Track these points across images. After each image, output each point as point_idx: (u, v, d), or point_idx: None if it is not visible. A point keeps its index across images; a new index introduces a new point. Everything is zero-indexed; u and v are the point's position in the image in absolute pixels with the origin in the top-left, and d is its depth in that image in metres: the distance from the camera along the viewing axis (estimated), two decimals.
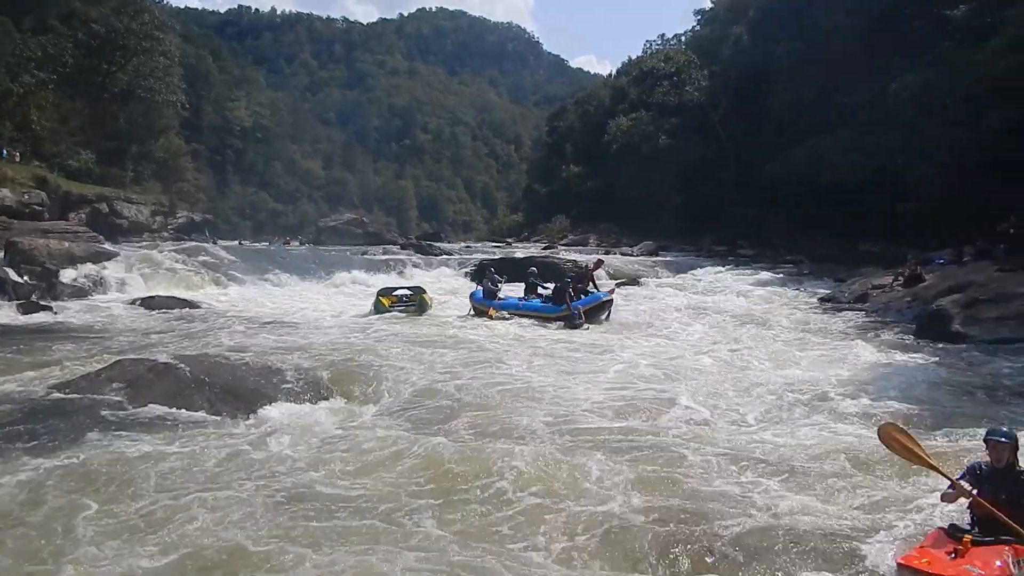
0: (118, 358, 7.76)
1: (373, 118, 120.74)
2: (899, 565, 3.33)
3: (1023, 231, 15.70)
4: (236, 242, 39.39)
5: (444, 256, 27.46)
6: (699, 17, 49.04)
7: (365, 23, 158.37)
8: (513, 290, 14.67)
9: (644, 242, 35.55)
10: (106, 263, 16.50)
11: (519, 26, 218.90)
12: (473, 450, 5.31)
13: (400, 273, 21.04)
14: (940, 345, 10.13)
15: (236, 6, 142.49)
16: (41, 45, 29.42)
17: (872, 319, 13.07)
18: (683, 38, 52.91)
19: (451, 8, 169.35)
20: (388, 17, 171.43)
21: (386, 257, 25.22)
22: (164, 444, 5.43)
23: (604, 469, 4.98)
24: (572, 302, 12.39)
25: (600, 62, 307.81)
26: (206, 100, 65.85)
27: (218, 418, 6.24)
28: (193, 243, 24.81)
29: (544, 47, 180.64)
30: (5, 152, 26.48)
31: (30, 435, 5.52)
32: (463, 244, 46.21)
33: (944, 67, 20.30)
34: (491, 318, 12.51)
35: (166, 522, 4.10)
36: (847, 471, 4.98)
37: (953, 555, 3.21)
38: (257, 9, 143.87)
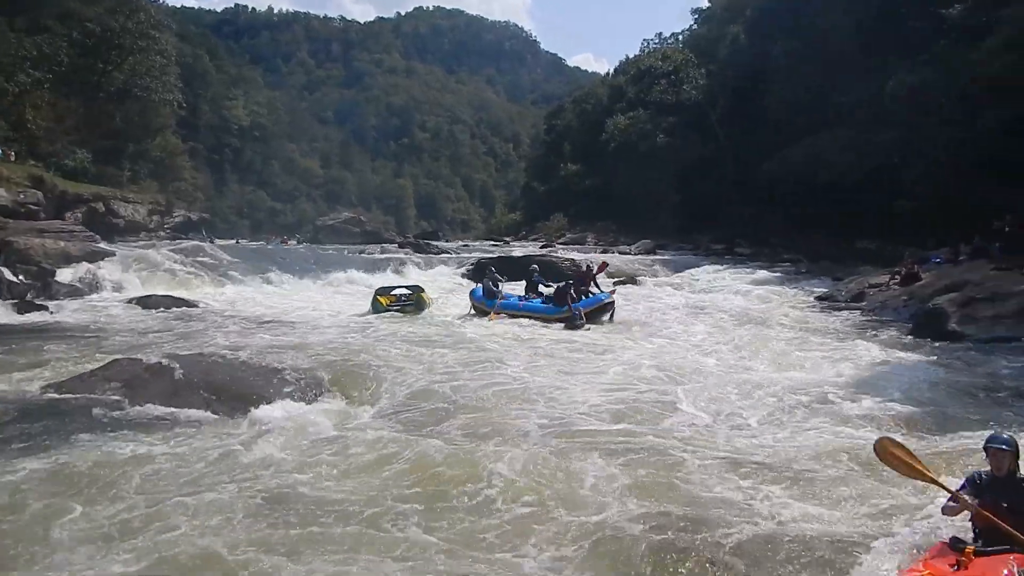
0: (114, 358, 7.73)
1: (371, 117, 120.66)
2: None
3: (1019, 230, 15.72)
4: (234, 241, 39.33)
5: (443, 255, 27.45)
6: (696, 16, 49.09)
7: (362, 22, 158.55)
8: (514, 288, 14.57)
9: (642, 241, 35.59)
10: (102, 262, 16.45)
11: (516, 25, 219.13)
12: (465, 453, 5.22)
13: (398, 272, 21.01)
14: (937, 344, 10.14)
15: (233, 5, 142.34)
16: (36, 44, 29.29)
17: (869, 318, 13.09)
18: (680, 37, 52.96)
19: (448, 7, 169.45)
20: (385, 16, 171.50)
21: (384, 256, 25.18)
22: (154, 445, 5.39)
23: (600, 474, 4.87)
24: (573, 303, 12.31)
25: (598, 61, 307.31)
26: (203, 99, 65.74)
27: (213, 418, 6.21)
28: (190, 242, 24.73)
29: (542, 46, 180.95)
30: (1, 151, 26.38)
31: (20, 436, 5.49)
32: (461, 243, 46.20)
33: (940, 66, 20.32)
34: (491, 319, 12.45)
35: (143, 528, 4.03)
36: (850, 476, 4.89)
37: (956, 567, 3.15)
38: (254, 8, 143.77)
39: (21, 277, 14.32)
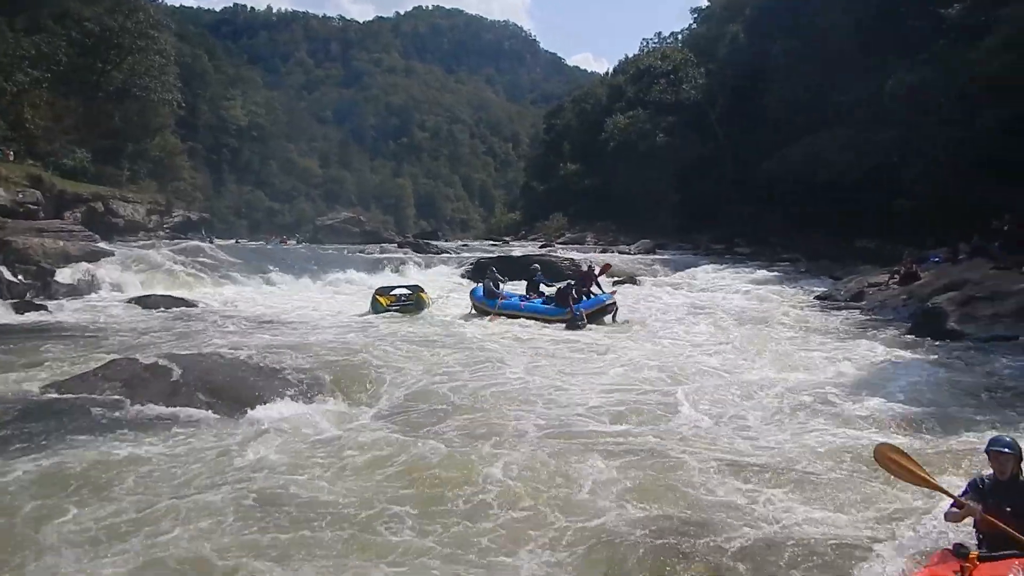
0: (113, 357, 7.72)
1: (370, 116, 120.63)
2: None
3: (1018, 229, 15.72)
4: (233, 241, 39.28)
5: (444, 255, 27.43)
6: (696, 15, 49.07)
7: (361, 21, 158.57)
8: (515, 287, 14.49)
9: (641, 240, 35.58)
10: (102, 262, 16.43)
11: (516, 24, 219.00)
12: (462, 455, 5.17)
13: (397, 271, 21.01)
14: (937, 343, 10.13)
15: (232, 4, 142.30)
16: (35, 44, 29.25)
17: (869, 317, 13.09)
18: (680, 36, 52.93)
19: (447, 6, 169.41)
20: (384, 15, 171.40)
21: (384, 256, 25.17)
22: (150, 446, 5.37)
23: (599, 476, 4.80)
24: (575, 304, 12.25)
25: (597, 60, 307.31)
26: (202, 99, 65.73)
27: (211, 418, 6.20)
28: (189, 242, 24.72)
29: (541, 45, 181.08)
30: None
31: (17, 436, 5.47)
32: (461, 242, 46.17)
33: (939, 65, 20.34)
34: (491, 320, 12.40)
35: (133, 531, 3.99)
36: (853, 479, 4.83)
37: (960, 574, 3.11)
38: (253, 8, 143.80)
39: (20, 277, 14.30)
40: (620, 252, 31.62)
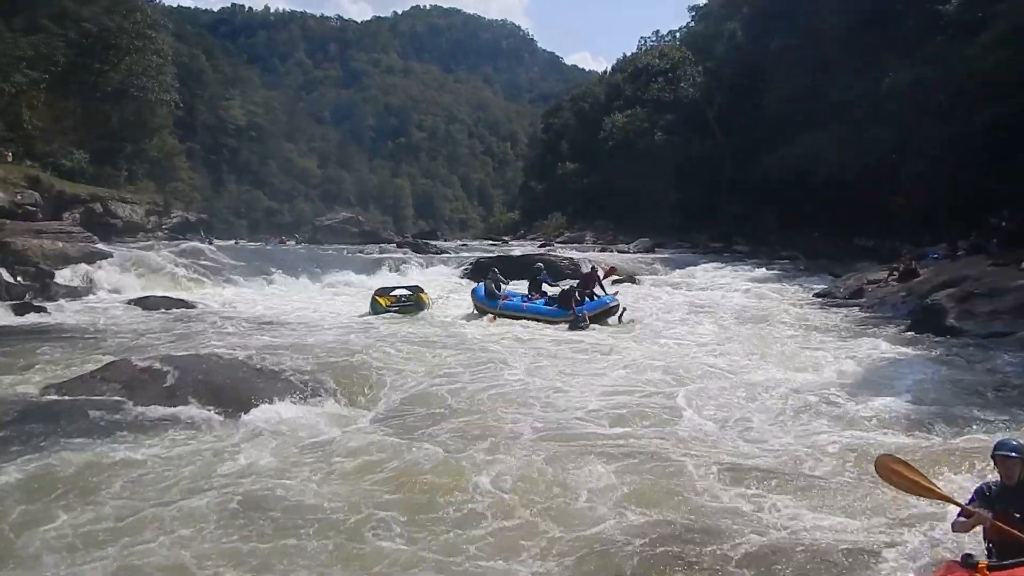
0: (112, 359, 7.71)
1: (368, 116, 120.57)
2: None
3: (1016, 225, 15.76)
4: (232, 242, 39.26)
5: (443, 255, 27.43)
6: (693, 13, 49.05)
7: (359, 21, 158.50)
8: (516, 285, 14.39)
9: (640, 239, 35.60)
10: (101, 263, 16.42)
11: (513, 23, 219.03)
12: (457, 460, 5.09)
13: (397, 271, 21.01)
14: (937, 340, 10.12)
15: (229, 4, 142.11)
16: (32, 44, 29.24)
17: (868, 314, 13.10)
18: (677, 34, 52.95)
19: (445, 6, 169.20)
20: (382, 15, 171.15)
21: (383, 256, 25.16)
22: (145, 448, 5.34)
23: (596, 482, 4.70)
24: (578, 306, 12.13)
25: (595, 59, 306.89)
26: (200, 99, 65.68)
27: (209, 420, 6.17)
28: (188, 243, 24.71)
29: (539, 44, 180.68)
30: None
31: (15, 438, 5.45)
32: (460, 242, 46.17)
33: (937, 62, 20.37)
34: (490, 321, 12.34)
35: (114, 537, 3.93)
36: (860, 483, 4.68)
37: None
38: (250, 8, 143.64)
39: (19, 278, 14.30)
40: (619, 251, 31.65)
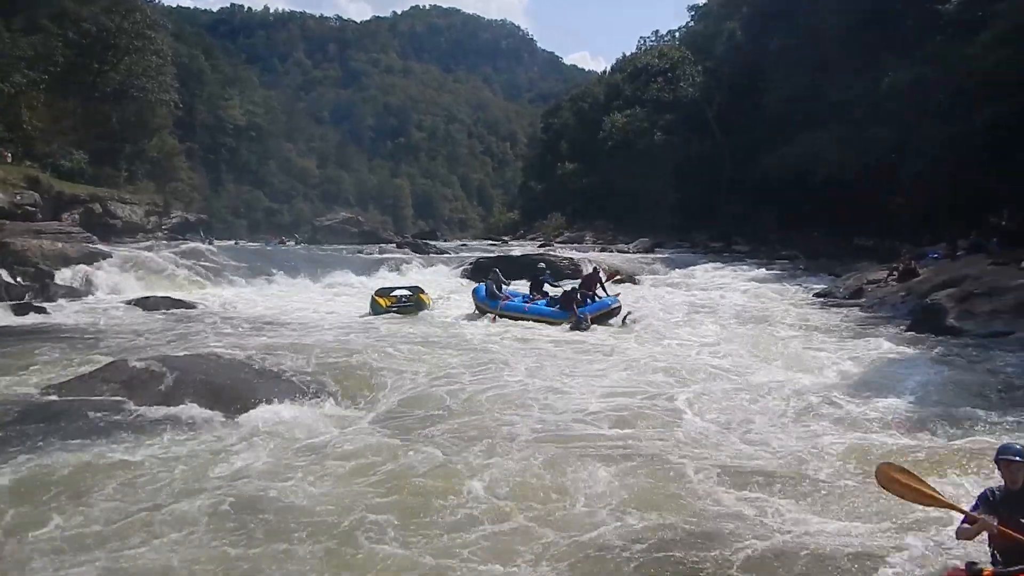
0: (111, 359, 7.71)
1: (368, 116, 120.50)
2: None
3: (1016, 225, 15.77)
4: (233, 242, 39.24)
5: (445, 255, 27.43)
6: (693, 13, 49.11)
7: (358, 21, 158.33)
8: (517, 284, 14.36)
9: (640, 239, 35.62)
10: (100, 263, 16.42)
11: (513, 23, 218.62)
12: (454, 462, 5.05)
13: (396, 270, 21.02)
14: (937, 339, 10.12)
15: (228, 5, 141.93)
16: (32, 45, 29.20)
17: (868, 314, 13.10)
18: (677, 34, 53.04)
19: (445, 6, 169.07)
20: (382, 15, 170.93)
21: (382, 256, 25.17)
22: (143, 449, 5.32)
23: (595, 486, 4.63)
24: (579, 308, 12.10)
25: (594, 59, 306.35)
26: (199, 99, 65.61)
27: (207, 421, 6.16)
28: (188, 243, 24.71)
29: (538, 44, 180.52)
30: None
31: (13, 439, 5.44)
32: (459, 242, 46.18)
33: (936, 62, 20.37)
34: (491, 321, 12.33)
35: (105, 540, 3.89)
36: (866, 487, 4.56)
37: None
38: (250, 8, 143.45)
39: (19, 279, 14.30)
40: (619, 251, 31.65)
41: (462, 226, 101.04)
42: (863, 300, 14.52)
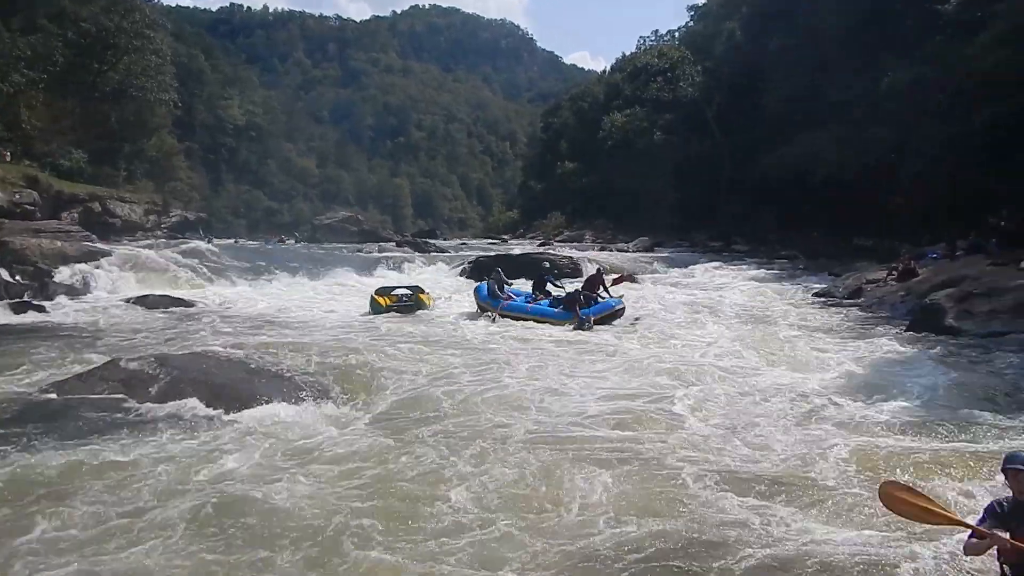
0: (110, 358, 7.69)
1: (367, 116, 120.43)
2: None
3: (1015, 225, 15.77)
4: (232, 241, 39.22)
5: (444, 254, 27.44)
6: (692, 13, 49.16)
7: (358, 20, 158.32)
8: (519, 284, 14.30)
9: (639, 238, 35.64)
10: (99, 262, 16.40)
11: (512, 23, 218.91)
12: (446, 465, 4.98)
13: (396, 270, 21.02)
14: (937, 339, 10.11)
15: (228, 4, 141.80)
16: (31, 44, 29.17)
17: (868, 314, 13.10)
18: (676, 34, 53.09)
19: (444, 5, 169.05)
20: (381, 15, 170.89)
21: (382, 255, 25.16)
22: (137, 448, 5.30)
23: (592, 490, 4.53)
24: (582, 309, 12.03)
25: (594, 58, 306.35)
26: (198, 99, 65.52)
27: (205, 420, 6.14)
28: (188, 242, 24.69)
29: (538, 44, 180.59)
30: None
31: (8, 439, 5.42)
32: (459, 241, 46.20)
33: (936, 62, 20.38)
34: (494, 321, 12.29)
35: (80, 546, 3.83)
36: (871, 492, 4.33)
37: None
38: (249, 7, 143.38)
39: (18, 277, 14.30)
40: (618, 250, 31.66)
41: (462, 225, 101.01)
42: (862, 300, 14.53)
